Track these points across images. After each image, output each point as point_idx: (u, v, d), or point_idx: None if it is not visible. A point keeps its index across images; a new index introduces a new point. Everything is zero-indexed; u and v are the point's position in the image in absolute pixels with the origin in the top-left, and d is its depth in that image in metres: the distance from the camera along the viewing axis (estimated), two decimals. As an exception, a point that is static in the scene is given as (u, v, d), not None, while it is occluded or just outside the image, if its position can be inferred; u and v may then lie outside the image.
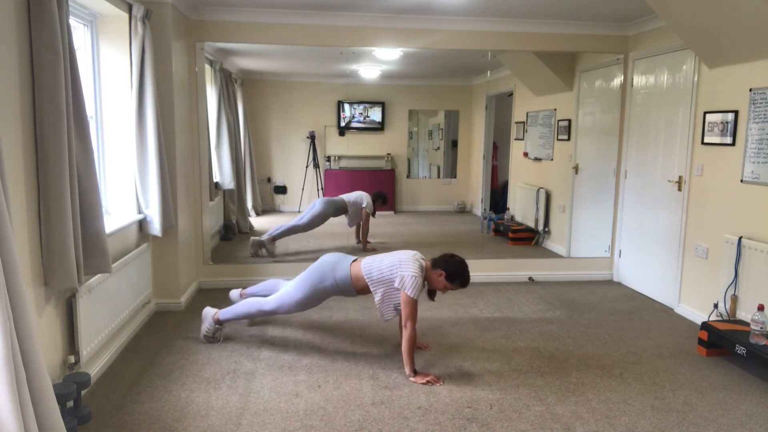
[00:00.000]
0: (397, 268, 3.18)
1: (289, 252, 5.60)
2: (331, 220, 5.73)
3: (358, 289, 3.33)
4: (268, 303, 3.50)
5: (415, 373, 3.17)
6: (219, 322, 3.64)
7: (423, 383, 3.11)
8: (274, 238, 5.44)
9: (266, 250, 5.39)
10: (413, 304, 3.14)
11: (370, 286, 3.26)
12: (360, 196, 5.80)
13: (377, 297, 3.26)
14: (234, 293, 4.01)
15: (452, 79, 6.93)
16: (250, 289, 3.93)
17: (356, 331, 3.90)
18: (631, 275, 5.14)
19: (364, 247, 5.81)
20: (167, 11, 4.01)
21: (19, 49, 2.40)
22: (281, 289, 3.60)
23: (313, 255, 5.47)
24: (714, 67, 4.02)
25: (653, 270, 4.80)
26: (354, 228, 5.96)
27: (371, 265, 3.27)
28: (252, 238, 5.50)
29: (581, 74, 5.51)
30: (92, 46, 3.70)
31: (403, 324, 3.18)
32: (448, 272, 3.18)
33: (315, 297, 3.40)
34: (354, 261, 3.37)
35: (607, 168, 5.31)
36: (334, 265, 3.38)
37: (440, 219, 7.09)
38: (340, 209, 5.75)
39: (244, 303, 3.63)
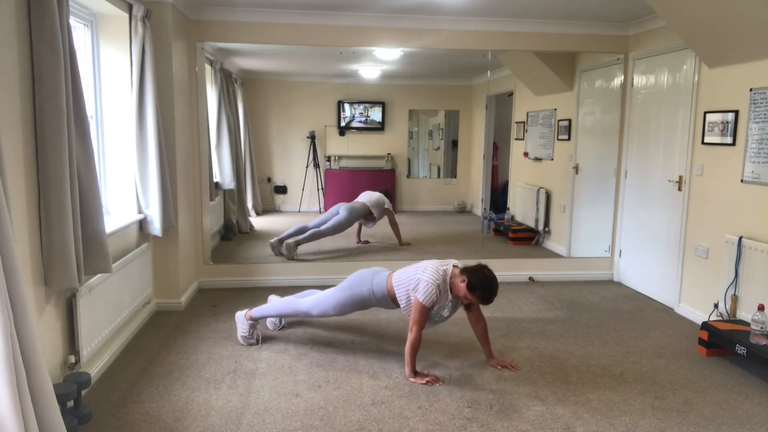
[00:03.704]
0: (419, 273, 3.14)
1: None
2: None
3: (390, 296, 3.28)
4: (304, 303, 3.52)
5: (415, 373, 3.17)
6: (253, 319, 3.65)
7: (423, 383, 3.11)
8: (298, 243, 5.42)
9: (286, 250, 5.36)
10: (421, 310, 3.11)
11: (396, 293, 3.21)
12: (380, 198, 5.83)
13: (402, 303, 3.22)
14: (273, 299, 3.95)
15: (452, 79, 6.93)
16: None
17: (356, 331, 3.90)
18: (632, 275, 5.14)
19: (400, 242, 5.92)
20: (167, 11, 4.01)
21: (19, 48, 2.41)
22: (319, 293, 3.57)
23: (314, 257, 5.47)
24: (714, 66, 4.02)
25: (653, 270, 4.80)
26: (356, 229, 5.97)
27: (400, 273, 3.25)
28: (270, 241, 5.48)
29: (581, 74, 5.51)
30: (92, 46, 3.70)
31: (409, 328, 3.17)
32: (470, 281, 3.04)
33: (351, 302, 3.37)
34: (393, 272, 3.35)
35: (607, 168, 5.31)
36: (373, 273, 3.38)
37: (440, 219, 7.09)
38: (362, 214, 5.77)
39: (277, 301, 3.68)
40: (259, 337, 3.69)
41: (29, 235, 2.51)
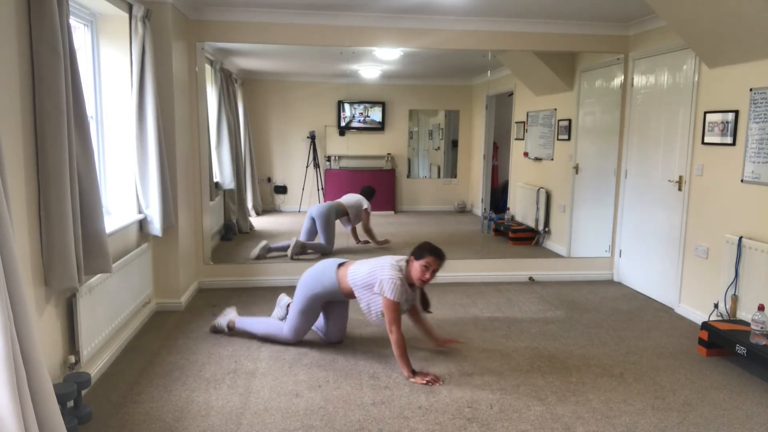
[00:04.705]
0: (378, 273, 3.21)
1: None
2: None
3: (345, 293, 3.38)
4: (284, 330, 3.58)
5: (414, 373, 3.17)
6: (231, 329, 3.77)
7: (423, 383, 3.11)
8: (305, 246, 5.46)
9: (292, 249, 5.38)
10: (394, 307, 3.16)
11: (355, 292, 3.31)
12: (359, 200, 5.79)
13: (362, 303, 3.30)
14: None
15: (452, 79, 6.93)
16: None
17: (356, 331, 3.90)
18: (632, 275, 5.14)
19: (375, 241, 5.86)
20: (167, 11, 4.01)
21: (19, 48, 2.41)
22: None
23: (314, 256, 5.47)
24: (714, 66, 4.02)
25: (653, 270, 4.80)
26: (350, 229, 5.94)
27: (356, 272, 3.32)
28: (261, 246, 5.45)
29: (581, 74, 5.51)
30: (92, 46, 3.70)
31: (388, 329, 3.19)
32: (414, 254, 3.23)
33: (312, 305, 3.46)
34: (341, 265, 3.42)
35: (607, 168, 5.31)
36: (322, 271, 3.44)
37: (440, 219, 7.09)
38: (339, 213, 5.74)
39: (262, 322, 3.71)
40: (217, 329, 3.84)
41: (29, 235, 2.51)
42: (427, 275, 3.19)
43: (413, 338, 3.79)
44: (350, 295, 3.36)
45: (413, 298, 3.36)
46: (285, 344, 3.60)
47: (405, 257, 3.30)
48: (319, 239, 5.62)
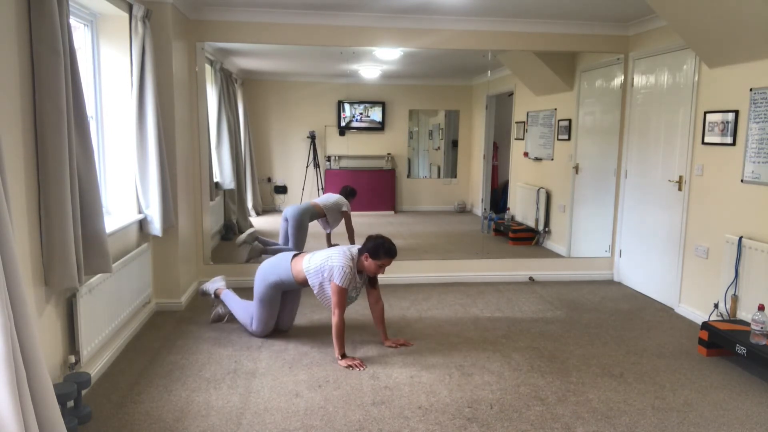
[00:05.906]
0: (330, 260, 3.38)
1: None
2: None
3: (299, 281, 3.54)
4: (253, 323, 3.75)
5: (342, 356, 3.34)
6: (217, 296, 4.00)
7: (345, 366, 3.28)
8: (264, 251, 5.32)
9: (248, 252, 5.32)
10: (341, 292, 3.34)
11: (308, 279, 3.46)
12: (338, 201, 5.51)
13: (315, 289, 3.47)
14: (218, 281, 4.14)
15: (452, 79, 6.93)
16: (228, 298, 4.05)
17: (356, 331, 3.90)
18: (632, 275, 5.14)
19: (352, 242, 5.71)
20: (167, 11, 4.01)
21: (19, 48, 2.41)
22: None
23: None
24: (714, 66, 4.02)
25: (654, 270, 4.80)
26: (327, 235, 5.70)
27: (309, 260, 3.49)
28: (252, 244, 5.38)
29: (581, 74, 5.51)
30: (92, 46, 3.70)
31: (332, 312, 3.36)
32: (369, 251, 3.38)
33: (270, 295, 3.61)
34: (295, 256, 3.59)
35: (607, 168, 5.31)
36: (276, 262, 3.63)
37: (440, 219, 7.09)
38: (315, 214, 5.46)
39: (243, 305, 3.85)
40: (219, 317, 4.02)
41: (29, 235, 2.51)
42: (381, 271, 3.45)
43: (414, 339, 3.79)
44: (303, 282, 3.52)
45: (362, 284, 3.54)
46: (257, 336, 3.75)
47: (357, 246, 3.45)
48: (289, 243, 5.34)
